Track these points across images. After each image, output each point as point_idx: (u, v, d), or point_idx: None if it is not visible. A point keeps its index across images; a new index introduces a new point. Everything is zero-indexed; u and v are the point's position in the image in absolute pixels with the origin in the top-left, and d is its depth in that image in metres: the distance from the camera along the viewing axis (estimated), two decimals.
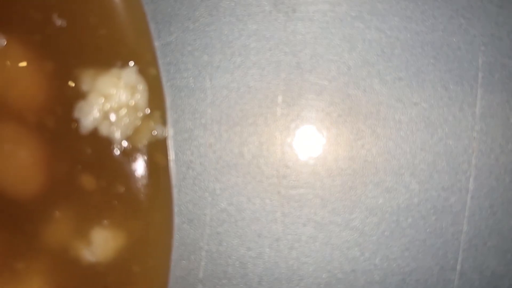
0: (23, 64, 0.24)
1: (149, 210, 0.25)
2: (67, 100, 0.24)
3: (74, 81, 0.24)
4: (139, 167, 0.25)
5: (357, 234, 0.26)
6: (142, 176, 0.25)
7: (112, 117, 0.24)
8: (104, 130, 0.24)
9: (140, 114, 0.24)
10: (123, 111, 0.24)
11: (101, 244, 0.25)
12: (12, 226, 0.25)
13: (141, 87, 0.24)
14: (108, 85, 0.23)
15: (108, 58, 0.24)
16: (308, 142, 0.26)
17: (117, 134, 0.24)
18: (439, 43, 0.26)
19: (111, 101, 0.23)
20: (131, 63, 0.24)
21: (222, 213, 0.26)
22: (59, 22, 0.24)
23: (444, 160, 0.26)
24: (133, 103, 0.24)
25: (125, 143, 0.24)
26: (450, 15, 0.26)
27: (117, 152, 0.24)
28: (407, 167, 0.26)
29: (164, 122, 0.25)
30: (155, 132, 0.24)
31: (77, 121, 0.24)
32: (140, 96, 0.24)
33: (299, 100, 0.26)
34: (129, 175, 0.25)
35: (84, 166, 0.25)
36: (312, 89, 0.26)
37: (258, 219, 0.26)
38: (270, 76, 0.26)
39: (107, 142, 0.24)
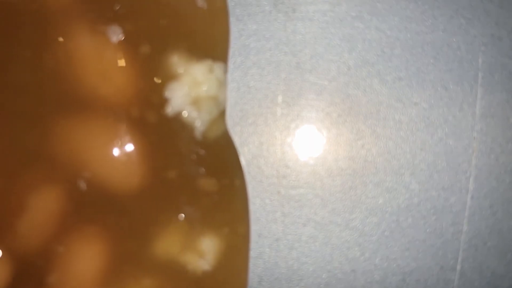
0: (122, 60, 0.23)
1: (245, 208, 0.25)
2: (160, 88, 0.23)
3: (168, 62, 0.23)
4: (232, 160, 0.24)
5: (357, 234, 0.26)
6: (235, 170, 0.25)
7: (198, 105, 0.23)
8: (188, 116, 0.23)
9: (219, 108, 0.24)
10: (208, 102, 0.23)
11: (213, 251, 0.24)
12: (129, 230, 0.24)
13: (227, 83, 0.24)
14: (201, 73, 0.23)
15: (205, 49, 0.24)
16: (308, 142, 0.26)
17: (199, 122, 0.23)
18: (439, 43, 0.26)
19: (200, 89, 0.23)
20: (222, 60, 0.24)
21: None
22: (202, 4, 0.24)
23: (444, 160, 0.26)
24: (217, 96, 0.24)
25: (200, 135, 0.24)
26: (450, 15, 0.26)
27: (201, 144, 0.24)
28: (407, 167, 0.26)
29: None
30: (230, 125, 0.24)
31: (167, 101, 0.23)
32: (223, 91, 0.24)
33: (299, 100, 0.26)
34: (232, 167, 0.24)
35: (192, 162, 0.24)
36: (312, 89, 0.26)
37: (258, 219, 0.26)
38: (270, 76, 0.26)
39: (192, 130, 0.23)
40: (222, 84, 0.24)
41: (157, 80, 0.23)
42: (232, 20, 0.26)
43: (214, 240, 0.24)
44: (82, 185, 0.23)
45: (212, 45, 0.24)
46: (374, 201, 0.26)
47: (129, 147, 0.23)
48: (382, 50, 0.26)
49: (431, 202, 0.26)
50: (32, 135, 0.23)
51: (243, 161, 0.25)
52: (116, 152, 0.23)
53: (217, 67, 0.24)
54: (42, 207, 0.23)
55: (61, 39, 0.23)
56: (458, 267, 0.27)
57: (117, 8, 0.23)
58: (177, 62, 0.23)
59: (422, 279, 0.27)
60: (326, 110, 0.26)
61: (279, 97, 0.26)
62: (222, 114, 0.24)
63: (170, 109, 0.23)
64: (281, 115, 0.26)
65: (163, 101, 0.23)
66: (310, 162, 0.26)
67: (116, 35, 0.23)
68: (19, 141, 0.23)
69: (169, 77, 0.23)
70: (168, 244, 0.24)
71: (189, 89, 0.23)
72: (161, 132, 0.24)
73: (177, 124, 0.23)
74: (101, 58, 0.23)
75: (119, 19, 0.23)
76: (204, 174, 0.24)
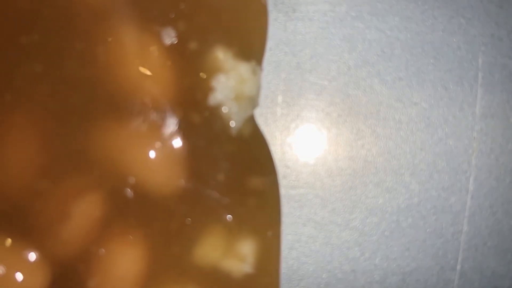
0: (169, 59, 0.23)
1: (280, 208, 0.24)
2: (205, 82, 0.23)
3: (216, 57, 0.23)
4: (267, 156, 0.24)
5: (357, 234, 0.26)
6: (273, 167, 0.24)
7: (239, 102, 0.23)
8: (227, 112, 0.23)
9: (253, 110, 0.24)
10: (247, 101, 0.23)
11: (252, 253, 0.23)
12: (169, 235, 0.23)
13: (261, 88, 0.24)
14: (247, 73, 0.23)
15: (253, 50, 0.23)
16: (308, 142, 0.26)
17: (235, 118, 0.23)
18: (439, 43, 0.26)
19: (244, 87, 0.23)
20: (260, 64, 0.24)
21: None
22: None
23: (444, 160, 0.26)
24: (254, 98, 0.24)
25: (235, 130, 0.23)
26: (450, 15, 0.26)
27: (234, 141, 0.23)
28: (407, 167, 0.26)
29: None
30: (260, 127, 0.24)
31: (211, 90, 0.23)
32: (258, 94, 0.24)
33: (299, 100, 0.26)
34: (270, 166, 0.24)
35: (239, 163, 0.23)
36: (312, 89, 0.26)
37: None
38: (270, 76, 0.26)
39: (228, 127, 0.23)
40: (260, 87, 0.24)
41: (202, 75, 0.23)
42: None
43: (254, 242, 0.23)
44: (127, 190, 0.22)
45: (258, 46, 0.24)
46: (374, 201, 0.26)
47: (174, 149, 0.23)
48: (382, 50, 0.26)
49: (431, 202, 0.26)
50: (81, 136, 0.22)
51: (275, 157, 0.25)
52: (160, 154, 0.22)
53: (259, 70, 0.24)
54: (86, 214, 0.22)
55: (111, 37, 0.22)
56: (458, 267, 0.27)
57: (182, 7, 0.23)
58: (224, 58, 0.23)
59: (422, 279, 0.27)
60: (326, 110, 0.26)
61: (279, 97, 0.26)
62: (252, 115, 0.24)
63: (213, 100, 0.23)
64: (281, 115, 0.26)
65: (207, 93, 0.23)
66: (310, 162, 0.26)
67: (170, 38, 0.23)
68: (68, 143, 0.22)
69: (215, 70, 0.23)
70: (212, 248, 0.23)
71: (235, 84, 0.23)
72: (205, 131, 0.23)
73: (218, 120, 0.23)
74: (150, 58, 0.22)
75: (179, 18, 0.23)
76: (254, 173, 0.23)
